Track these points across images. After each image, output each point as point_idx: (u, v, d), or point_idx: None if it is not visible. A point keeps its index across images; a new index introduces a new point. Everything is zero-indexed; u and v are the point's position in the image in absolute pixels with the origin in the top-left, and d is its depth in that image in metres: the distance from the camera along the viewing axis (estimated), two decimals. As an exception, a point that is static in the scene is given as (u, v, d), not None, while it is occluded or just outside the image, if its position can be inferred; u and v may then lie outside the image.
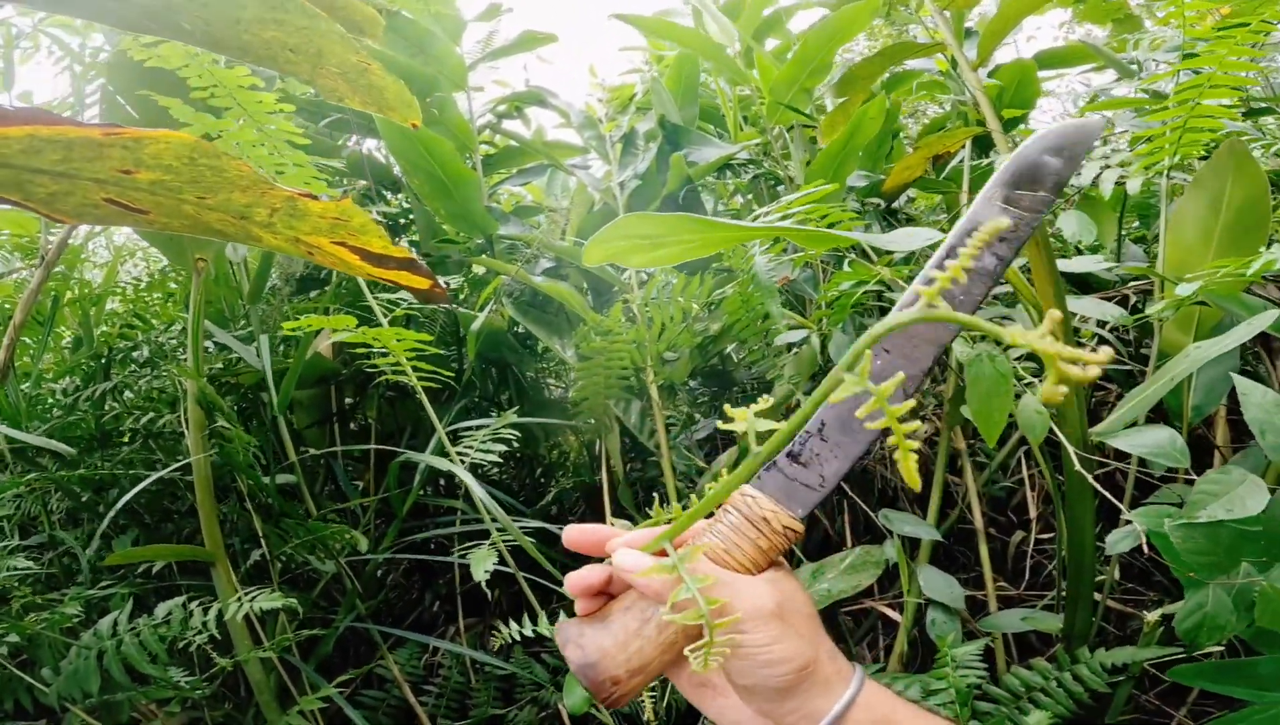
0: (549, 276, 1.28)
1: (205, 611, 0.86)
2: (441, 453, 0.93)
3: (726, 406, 0.41)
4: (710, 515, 0.46)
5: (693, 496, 0.52)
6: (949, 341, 0.47)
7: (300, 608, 0.86)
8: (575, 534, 0.48)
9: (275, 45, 0.46)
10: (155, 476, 0.95)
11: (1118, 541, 0.63)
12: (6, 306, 1.27)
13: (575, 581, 0.46)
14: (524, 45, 1.68)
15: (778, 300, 0.86)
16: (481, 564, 0.74)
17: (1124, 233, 1.12)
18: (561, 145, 1.76)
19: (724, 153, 1.36)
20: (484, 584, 0.74)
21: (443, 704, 1.28)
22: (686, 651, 0.41)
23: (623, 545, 0.45)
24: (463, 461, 0.87)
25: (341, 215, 0.38)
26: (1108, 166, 0.94)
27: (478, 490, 0.81)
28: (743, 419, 0.40)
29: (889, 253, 1.14)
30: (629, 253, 0.54)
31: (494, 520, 0.85)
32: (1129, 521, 0.57)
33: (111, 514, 0.95)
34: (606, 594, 0.47)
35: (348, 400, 1.46)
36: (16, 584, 1.03)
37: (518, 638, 0.76)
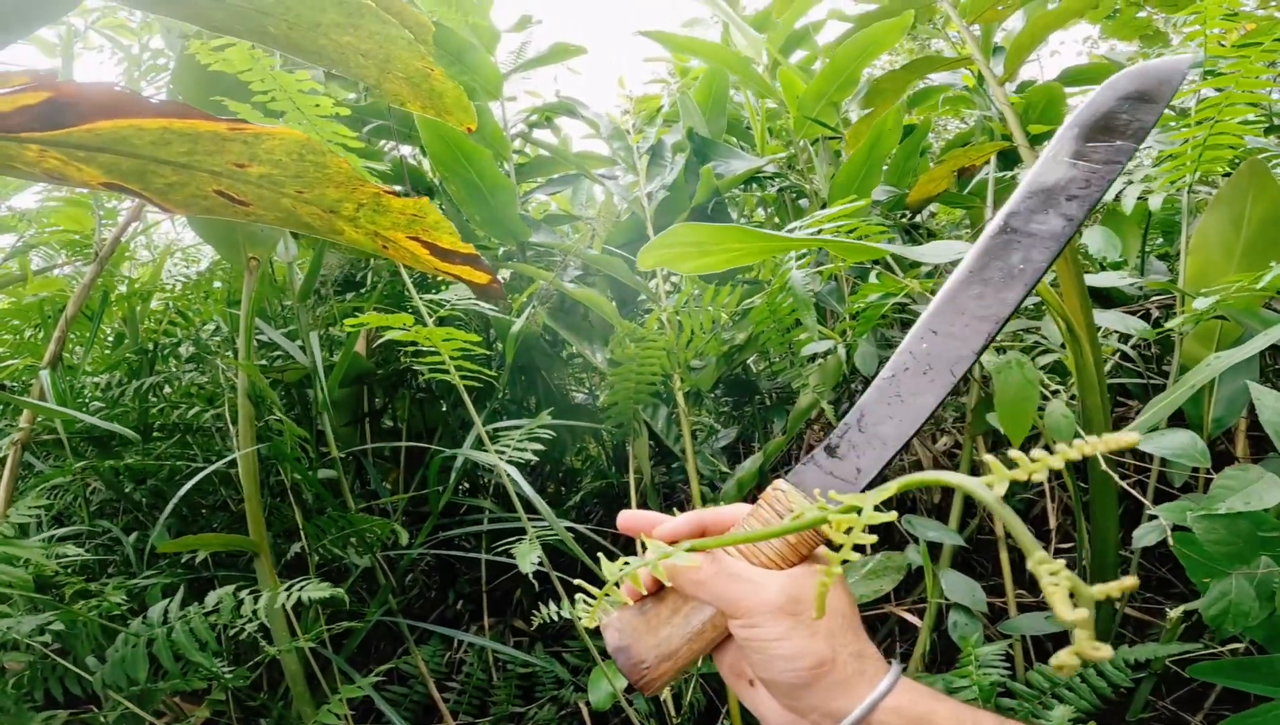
0: (577, 284, 1.31)
1: (256, 600, 0.88)
2: (479, 450, 0.96)
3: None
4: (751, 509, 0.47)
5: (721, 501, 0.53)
6: (1008, 316, 0.44)
7: (346, 598, 0.89)
8: (629, 519, 0.49)
9: (349, 50, 0.50)
10: (212, 468, 0.98)
11: (1143, 536, 0.65)
12: (57, 301, 1.31)
13: (631, 586, 0.47)
14: (555, 57, 1.72)
15: (813, 312, 0.89)
16: (526, 557, 0.76)
17: (1147, 249, 1.14)
18: (589, 155, 1.80)
19: (751, 165, 1.39)
20: (530, 576, 0.77)
21: (465, 701, 1.31)
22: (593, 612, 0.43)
23: (660, 538, 0.47)
24: (500, 458, 0.90)
25: (419, 212, 0.41)
26: (1131, 182, 0.96)
27: (523, 483, 0.84)
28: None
29: (915, 266, 1.16)
30: (679, 259, 0.57)
31: (530, 517, 0.87)
32: (1154, 517, 0.59)
33: (173, 503, 0.99)
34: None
35: (378, 401, 1.50)
36: (65, 571, 1.05)
37: (555, 618, 0.79)
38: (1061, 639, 1.06)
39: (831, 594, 0.44)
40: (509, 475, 0.86)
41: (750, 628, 0.42)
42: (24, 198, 1.45)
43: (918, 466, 1.55)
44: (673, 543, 0.47)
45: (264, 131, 0.32)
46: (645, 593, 0.47)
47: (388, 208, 0.39)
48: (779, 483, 0.46)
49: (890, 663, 0.43)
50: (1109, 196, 0.92)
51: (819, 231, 0.79)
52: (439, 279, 1.36)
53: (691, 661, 0.46)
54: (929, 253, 0.64)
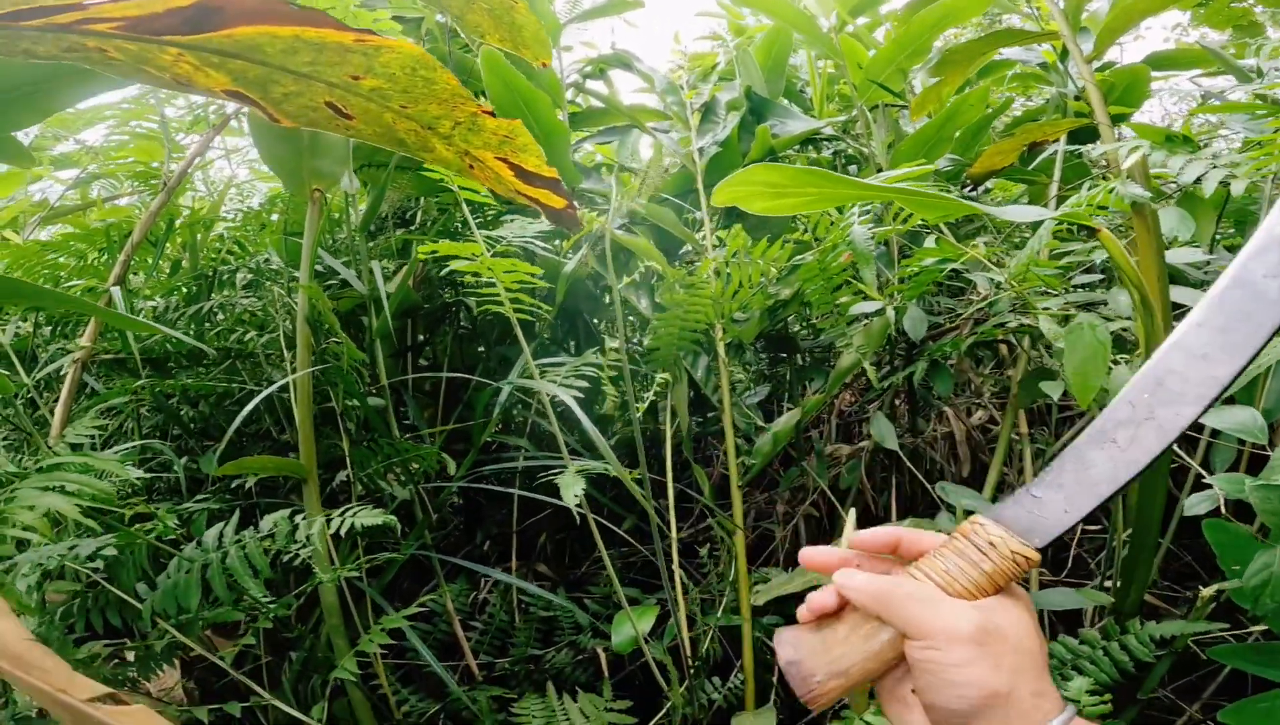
0: (624, 232, 1.32)
1: (310, 526, 0.87)
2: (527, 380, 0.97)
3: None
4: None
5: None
6: (1235, 375, 0.42)
7: (391, 526, 0.89)
8: (812, 555, 0.50)
9: (435, -20, 0.50)
10: (269, 391, 1.00)
11: (1196, 503, 0.66)
12: (123, 227, 1.34)
13: (811, 606, 0.48)
14: (612, 9, 1.70)
15: (873, 266, 0.89)
16: (571, 488, 0.78)
17: (1218, 236, 1.11)
18: (640, 109, 1.79)
19: (810, 126, 1.38)
20: (574, 509, 0.79)
21: (486, 641, 1.35)
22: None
23: (856, 545, 0.48)
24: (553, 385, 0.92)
25: (511, 133, 0.42)
26: (1215, 166, 0.93)
27: (579, 412, 0.85)
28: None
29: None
30: (753, 197, 0.57)
31: (576, 453, 0.89)
32: (1208, 486, 0.59)
33: (233, 428, 1.00)
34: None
35: (421, 336, 1.52)
36: (128, 494, 1.05)
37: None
38: (1074, 616, 1.07)
39: (1021, 625, 0.43)
40: (560, 402, 0.87)
41: (930, 649, 0.42)
42: (93, 132, 1.48)
43: (950, 439, 1.54)
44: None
45: (384, 44, 0.33)
46: (835, 606, 0.47)
47: (482, 127, 0.40)
48: (977, 517, 0.46)
49: (1066, 705, 0.42)
50: (1189, 180, 0.89)
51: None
52: (498, 212, 1.37)
53: (863, 681, 0.46)
54: (1011, 213, 0.64)
